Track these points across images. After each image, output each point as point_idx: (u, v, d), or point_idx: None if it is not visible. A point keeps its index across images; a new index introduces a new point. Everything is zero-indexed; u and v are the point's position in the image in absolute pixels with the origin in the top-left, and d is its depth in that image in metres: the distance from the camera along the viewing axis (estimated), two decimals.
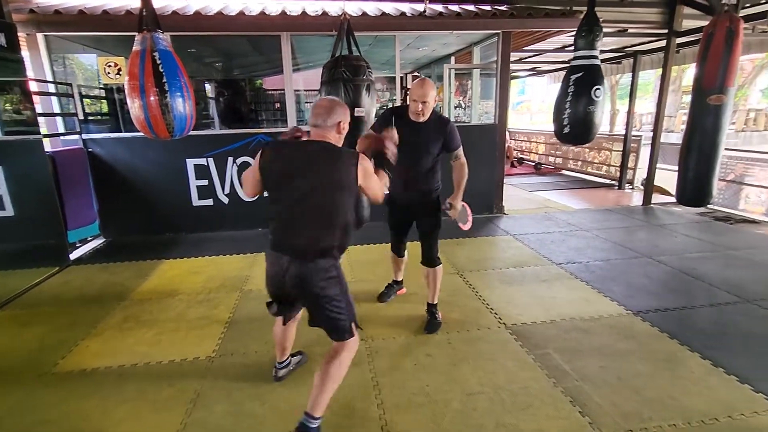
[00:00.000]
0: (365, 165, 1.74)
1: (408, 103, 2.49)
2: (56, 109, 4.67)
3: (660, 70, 6.15)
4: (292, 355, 2.28)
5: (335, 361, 1.75)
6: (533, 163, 10.48)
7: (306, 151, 1.72)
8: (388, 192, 2.38)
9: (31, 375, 2.31)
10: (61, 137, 4.64)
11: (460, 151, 2.59)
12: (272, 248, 1.75)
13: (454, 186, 2.61)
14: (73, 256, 4.24)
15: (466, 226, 2.69)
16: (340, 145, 1.81)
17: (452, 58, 7.63)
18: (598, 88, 3.36)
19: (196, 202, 4.97)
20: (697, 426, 1.86)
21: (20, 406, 2.07)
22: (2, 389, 2.20)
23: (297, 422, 1.73)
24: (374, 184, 1.80)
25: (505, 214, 5.66)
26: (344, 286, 1.80)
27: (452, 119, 6.93)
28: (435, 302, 2.81)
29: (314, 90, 8.69)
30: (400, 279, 3.21)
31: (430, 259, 2.71)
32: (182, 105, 3.03)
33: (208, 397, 2.10)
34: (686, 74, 17.80)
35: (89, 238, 4.73)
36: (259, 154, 1.73)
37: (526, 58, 8.30)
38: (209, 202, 4.98)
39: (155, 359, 2.44)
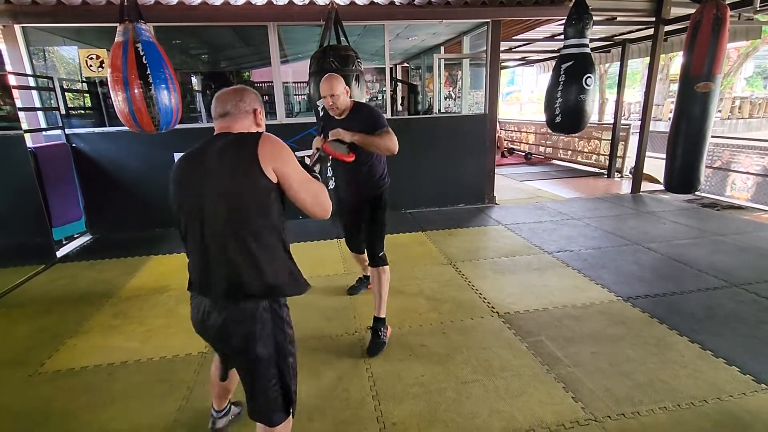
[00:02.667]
0: (272, 145, 1.24)
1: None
2: (37, 104, 4.55)
3: (648, 59, 6.18)
4: (232, 404, 1.84)
5: None
6: (524, 153, 10.52)
7: (205, 154, 1.26)
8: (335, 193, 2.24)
9: (18, 375, 2.27)
10: (44, 132, 4.52)
11: (386, 129, 2.27)
12: (189, 288, 1.36)
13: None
14: (60, 253, 4.17)
15: (336, 153, 2.13)
16: None
17: (442, 48, 7.58)
18: (589, 77, 3.36)
19: None
20: (686, 408, 1.89)
21: (6, 407, 2.03)
22: None
23: None
24: (299, 180, 1.27)
25: (496, 204, 5.67)
26: (286, 344, 1.31)
27: (442, 110, 6.96)
28: (381, 316, 2.43)
29: (303, 82, 8.60)
30: (368, 274, 3.05)
31: (372, 258, 2.49)
32: (167, 97, 2.96)
33: (201, 394, 2.07)
34: (674, 63, 17.94)
35: (75, 235, 4.64)
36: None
37: (515, 47, 8.28)
38: None
39: (146, 356, 2.41)
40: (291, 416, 1.37)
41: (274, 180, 1.23)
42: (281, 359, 1.30)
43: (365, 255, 2.69)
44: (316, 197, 1.31)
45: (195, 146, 1.33)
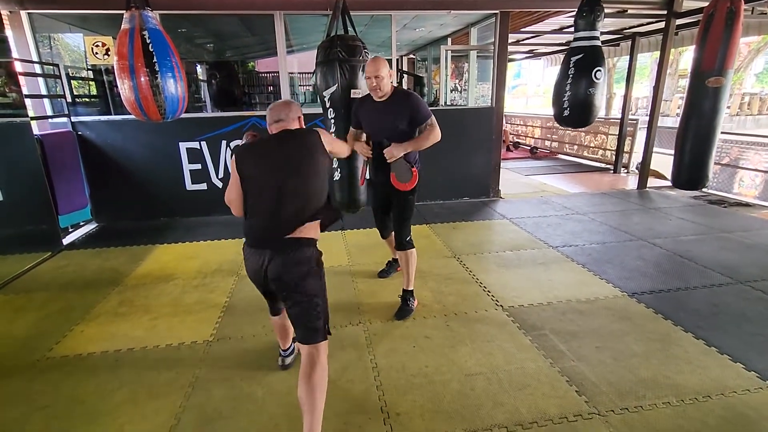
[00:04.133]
0: (325, 134, 1.81)
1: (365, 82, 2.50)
2: (43, 91, 4.55)
3: (656, 54, 6.09)
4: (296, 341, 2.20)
5: (315, 377, 1.59)
6: (529, 147, 10.45)
7: (278, 142, 1.73)
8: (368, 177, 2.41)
9: (26, 361, 2.30)
10: (50, 120, 4.53)
11: (432, 120, 2.48)
12: (250, 245, 1.72)
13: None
14: (66, 241, 4.19)
15: (401, 186, 2.55)
16: None
17: (449, 40, 7.50)
18: (599, 70, 3.31)
19: (190, 186, 4.90)
20: (690, 403, 1.89)
21: (15, 392, 2.05)
22: None
23: None
24: (338, 145, 2.01)
25: (501, 198, 5.65)
26: (324, 282, 1.75)
27: (448, 102, 6.90)
28: (410, 288, 2.73)
29: (309, 72, 8.55)
30: (397, 257, 3.14)
31: (399, 243, 2.68)
32: (174, 86, 2.94)
33: (207, 381, 2.09)
34: (683, 57, 17.72)
35: (81, 223, 4.66)
36: (233, 161, 1.69)
37: (523, 39, 8.18)
38: (203, 186, 4.91)
39: (152, 344, 2.43)
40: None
41: (327, 152, 1.77)
42: (323, 293, 1.73)
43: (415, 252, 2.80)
44: (341, 151, 2.14)
45: (256, 141, 1.78)
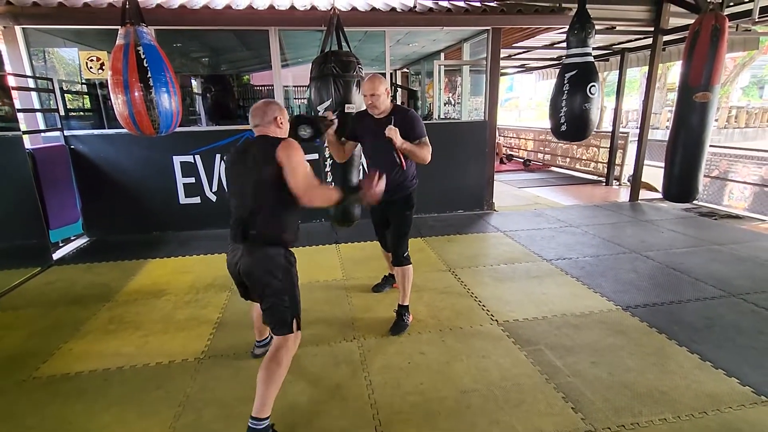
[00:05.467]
0: (290, 148, 1.73)
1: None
2: (36, 105, 4.53)
3: (646, 68, 6.22)
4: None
5: (273, 362, 1.75)
6: (522, 160, 10.55)
7: (247, 147, 1.83)
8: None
9: (11, 380, 2.24)
10: (42, 134, 4.50)
11: (426, 139, 2.52)
12: (230, 242, 1.86)
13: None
14: (56, 255, 4.14)
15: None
16: (285, 136, 1.91)
17: (442, 55, 7.61)
18: (593, 85, 3.38)
19: (183, 200, 4.88)
20: (686, 420, 1.88)
21: (0, 413, 2.00)
22: None
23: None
24: (298, 173, 1.72)
25: (495, 210, 5.68)
26: (293, 279, 1.85)
27: (442, 116, 6.97)
28: (405, 303, 2.72)
29: (303, 86, 8.62)
30: (393, 272, 3.13)
31: (396, 258, 2.69)
32: (168, 101, 2.95)
33: (198, 400, 2.05)
34: (671, 72, 18.08)
35: (72, 238, 4.61)
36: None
37: (515, 54, 8.33)
38: (197, 200, 4.89)
39: (142, 361, 2.39)
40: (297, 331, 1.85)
41: (278, 166, 1.72)
42: (292, 289, 1.84)
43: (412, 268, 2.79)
44: (296, 184, 1.73)
45: (246, 143, 1.88)
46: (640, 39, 6.60)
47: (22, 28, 4.30)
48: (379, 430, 1.84)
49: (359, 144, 2.76)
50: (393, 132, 2.37)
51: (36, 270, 3.75)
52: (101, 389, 2.15)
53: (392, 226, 2.71)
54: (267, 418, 1.71)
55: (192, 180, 4.83)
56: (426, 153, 2.51)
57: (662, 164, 4.19)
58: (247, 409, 1.95)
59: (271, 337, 2.18)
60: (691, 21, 3.87)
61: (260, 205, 1.76)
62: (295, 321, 1.83)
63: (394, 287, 3.22)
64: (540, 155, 10.22)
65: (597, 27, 3.80)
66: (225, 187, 4.88)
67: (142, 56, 2.84)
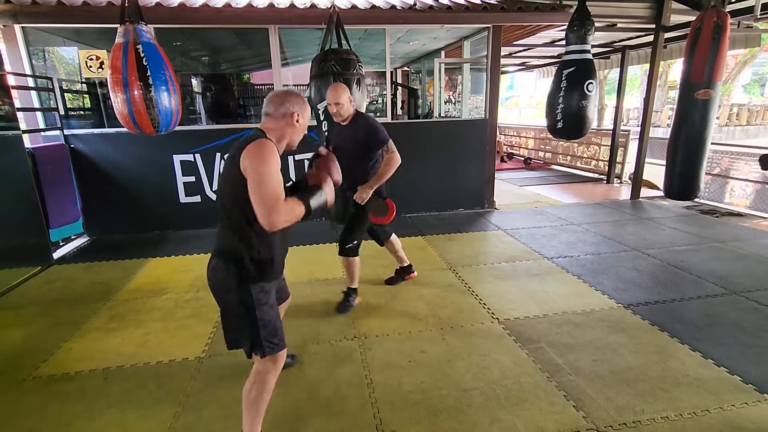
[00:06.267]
0: (255, 156, 1.40)
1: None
2: (36, 104, 4.52)
3: (647, 66, 6.19)
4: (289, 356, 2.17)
5: (247, 386, 1.62)
6: (523, 158, 10.53)
7: (232, 148, 1.57)
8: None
9: (11, 380, 2.24)
10: (42, 133, 4.49)
11: (390, 145, 2.61)
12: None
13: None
14: (57, 255, 4.13)
15: (382, 220, 2.70)
16: (291, 138, 1.60)
17: (442, 53, 7.59)
18: (591, 83, 3.37)
19: (184, 198, 4.87)
20: (688, 417, 1.88)
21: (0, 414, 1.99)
22: None
23: None
24: (260, 189, 1.38)
25: (495, 209, 5.67)
26: (248, 302, 1.54)
27: (442, 114, 6.95)
28: (353, 286, 2.91)
29: (304, 85, 8.59)
30: (354, 286, 2.96)
31: (341, 247, 2.79)
32: (167, 99, 2.95)
33: (197, 400, 2.05)
34: (672, 69, 18.04)
35: (73, 237, 4.61)
36: None
37: (515, 52, 8.30)
38: (197, 198, 4.88)
39: (142, 360, 2.38)
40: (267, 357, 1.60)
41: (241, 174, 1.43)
42: (245, 311, 1.55)
43: (357, 259, 2.86)
44: (254, 195, 1.41)
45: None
46: (642, 36, 6.58)
47: (22, 27, 4.30)
48: (380, 429, 1.84)
49: None
50: (360, 195, 2.59)
51: (36, 269, 3.75)
52: (101, 389, 2.15)
53: (351, 217, 2.79)
54: None
55: (192, 179, 4.83)
56: (394, 163, 2.60)
57: (663, 162, 4.18)
58: None
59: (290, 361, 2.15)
60: (693, 18, 3.86)
61: (227, 213, 1.52)
62: (257, 348, 1.57)
63: (407, 279, 3.34)
64: (541, 153, 10.20)
65: (598, 24, 3.79)
66: None
67: (142, 55, 2.83)
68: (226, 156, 1.67)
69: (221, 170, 1.68)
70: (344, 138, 2.63)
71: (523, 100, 34.37)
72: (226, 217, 1.52)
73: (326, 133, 2.88)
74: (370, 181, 2.62)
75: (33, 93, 4.49)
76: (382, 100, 8.33)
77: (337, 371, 2.25)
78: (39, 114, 4.54)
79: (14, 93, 3.94)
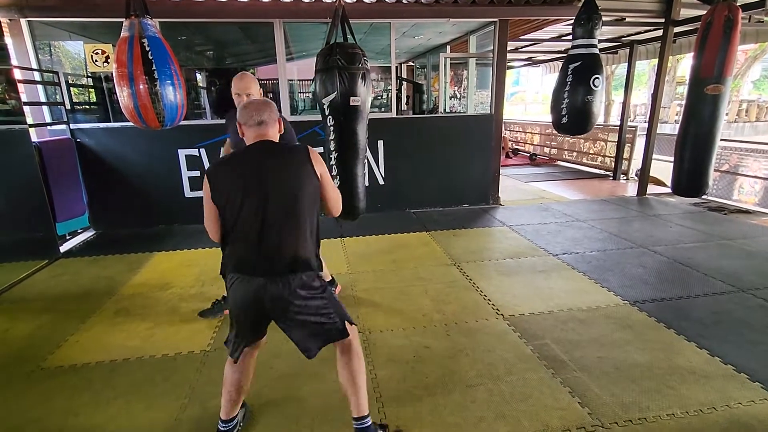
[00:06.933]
0: (319, 158, 1.62)
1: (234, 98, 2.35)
2: (42, 98, 4.54)
3: (654, 61, 6.11)
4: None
5: (353, 356, 1.63)
6: (528, 154, 10.47)
7: (256, 157, 1.56)
8: None
9: (19, 371, 2.26)
10: (48, 127, 4.51)
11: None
12: (239, 271, 1.55)
13: None
14: (63, 248, 4.16)
15: None
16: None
17: (448, 47, 7.54)
18: (597, 78, 3.32)
19: (189, 193, 4.89)
20: (694, 415, 1.86)
21: (6, 404, 2.02)
22: None
23: None
24: (331, 184, 1.68)
25: (500, 205, 5.64)
26: (327, 291, 1.63)
27: (447, 109, 6.91)
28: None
29: (308, 79, 8.58)
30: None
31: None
32: (173, 93, 2.94)
33: (203, 393, 2.06)
34: (681, 65, 17.84)
35: (79, 231, 4.63)
36: (205, 183, 1.58)
37: (522, 47, 8.23)
38: (202, 193, 4.88)
39: (148, 353, 2.40)
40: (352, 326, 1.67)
41: (317, 178, 1.60)
42: (331, 299, 1.63)
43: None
44: (334, 197, 1.71)
45: (229, 156, 1.64)
46: (650, 31, 6.49)
47: (28, 21, 4.30)
48: (384, 424, 1.84)
49: (363, 136, 2.71)
50: None
51: (43, 263, 3.78)
52: (108, 381, 2.17)
53: None
54: (369, 414, 1.66)
55: (197, 173, 4.83)
56: None
57: (671, 158, 4.12)
58: (251, 402, 1.96)
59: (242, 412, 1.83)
60: (703, 12, 3.79)
61: (298, 224, 1.62)
62: (348, 319, 1.66)
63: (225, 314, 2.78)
64: (546, 149, 10.13)
65: (606, 18, 3.73)
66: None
67: (147, 48, 2.82)
68: (269, 165, 1.53)
69: (273, 179, 1.51)
70: None
71: (529, 95, 34.12)
72: (299, 223, 1.54)
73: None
74: None
75: (39, 87, 4.50)
76: (387, 95, 8.29)
77: None
78: (45, 108, 4.56)
79: (20, 87, 3.95)
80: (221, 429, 1.71)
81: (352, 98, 2.80)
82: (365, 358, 2.29)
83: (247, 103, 1.63)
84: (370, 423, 1.65)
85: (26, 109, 3.90)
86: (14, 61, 4.13)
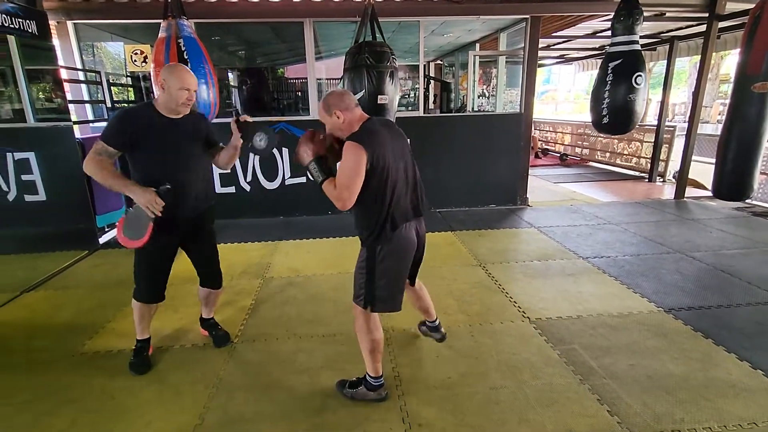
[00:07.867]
0: None
1: (173, 93, 1.97)
2: (85, 97, 4.78)
3: (695, 58, 5.82)
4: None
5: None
6: (558, 154, 10.20)
7: (389, 129, 1.88)
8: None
9: (60, 355, 2.39)
10: (91, 124, 4.74)
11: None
12: (403, 221, 1.84)
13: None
14: (102, 240, 4.36)
15: (129, 243, 2.20)
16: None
17: (477, 45, 7.44)
18: (639, 75, 3.20)
19: (218, 189, 5.02)
20: (733, 429, 1.77)
21: (48, 386, 2.13)
22: (34, 369, 2.28)
23: None
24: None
25: (529, 206, 5.52)
26: None
27: (475, 108, 6.82)
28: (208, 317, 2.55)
29: (336, 78, 8.65)
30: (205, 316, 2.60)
31: (220, 280, 2.46)
32: (206, 92, 3.04)
33: (230, 383, 2.12)
34: (725, 62, 16.93)
35: (116, 223, 4.84)
36: (358, 152, 1.65)
37: (554, 44, 8.01)
38: (231, 189, 5.02)
39: (179, 343, 2.49)
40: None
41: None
42: None
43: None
44: None
45: (379, 122, 1.87)
46: (692, 26, 6.19)
47: (74, 23, 4.53)
48: (407, 422, 1.84)
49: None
50: (245, 118, 2.15)
51: (84, 253, 3.98)
52: None
53: (206, 245, 2.36)
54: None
55: (227, 170, 4.96)
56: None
57: (712, 160, 3.93)
58: (277, 394, 2.00)
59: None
60: (751, 6, 3.58)
61: (414, 182, 1.93)
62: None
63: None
64: (578, 150, 9.84)
65: (646, 14, 3.59)
66: (289, 173, 4.98)
67: (183, 48, 2.94)
68: (391, 140, 1.82)
69: (395, 152, 1.81)
70: (181, 134, 2.07)
71: (561, 94, 33.17)
72: (417, 183, 1.93)
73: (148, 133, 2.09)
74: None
75: (83, 86, 4.74)
76: (415, 94, 8.26)
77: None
78: (88, 106, 4.79)
79: (66, 86, 4.17)
80: (374, 384, 1.97)
81: (379, 96, 2.82)
82: (388, 356, 2.31)
83: (339, 91, 1.85)
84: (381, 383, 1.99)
85: (70, 107, 4.12)
86: (61, 62, 4.36)
